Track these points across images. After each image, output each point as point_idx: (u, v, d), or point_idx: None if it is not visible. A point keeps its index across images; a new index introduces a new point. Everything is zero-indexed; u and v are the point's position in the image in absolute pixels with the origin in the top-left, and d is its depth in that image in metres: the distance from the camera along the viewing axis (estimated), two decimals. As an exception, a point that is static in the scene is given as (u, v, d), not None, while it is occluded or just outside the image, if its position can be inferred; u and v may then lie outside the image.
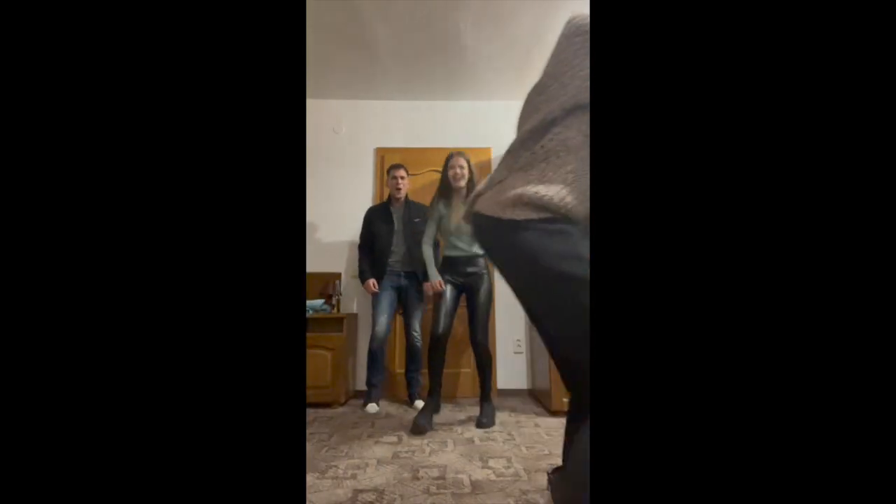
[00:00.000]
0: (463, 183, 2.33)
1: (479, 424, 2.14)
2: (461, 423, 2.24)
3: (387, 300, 2.63)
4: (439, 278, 2.29)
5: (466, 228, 2.15)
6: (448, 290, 2.26)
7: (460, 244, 2.30)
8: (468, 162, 2.36)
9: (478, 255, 2.29)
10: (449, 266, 2.31)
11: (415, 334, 2.69)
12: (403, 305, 2.73)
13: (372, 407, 2.52)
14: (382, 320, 2.61)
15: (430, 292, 2.30)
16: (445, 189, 2.35)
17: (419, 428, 2.00)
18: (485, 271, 2.30)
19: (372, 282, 2.63)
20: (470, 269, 2.28)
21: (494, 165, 3.26)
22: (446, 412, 2.47)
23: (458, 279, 2.29)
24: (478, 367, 2.28)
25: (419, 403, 2.58)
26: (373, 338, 2.61)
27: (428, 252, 2.35)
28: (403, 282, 2.68)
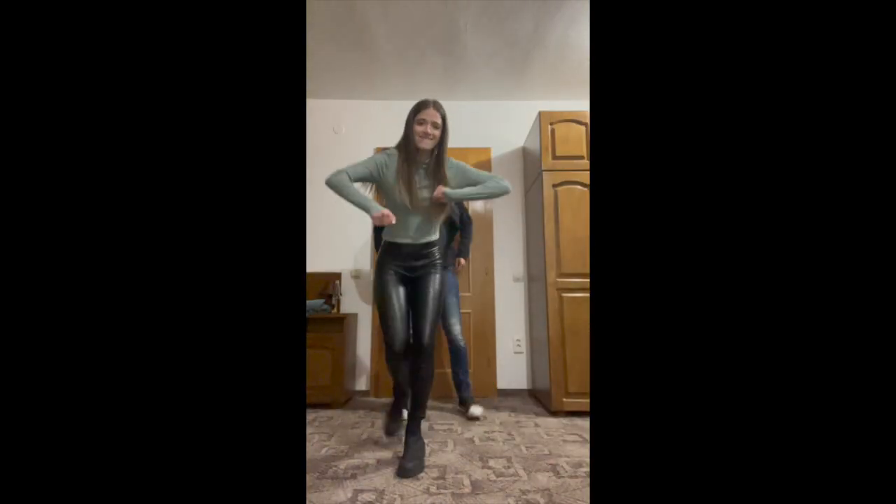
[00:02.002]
0: (429, 145, 1.61)
1: (403, 471, 1.49)
2: (461, 423, 2.24)
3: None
4: (382, 209, 1.54)
5: (421, 209, 1.62)
6: (401, 289, 1.66)
7: (408, 230, 1.65)
8: (444, 119, 1.63)
9: (428, 245, 1.68)
10: (391, 254, 1.67)
11: (455, 332, 2.48)
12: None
13: (478, 409, 2.36)
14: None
15: (381, 223, 1.54)
16: (404, 147, 1.63)
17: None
18: (437, 262, 1.69)
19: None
20: (417, 263, 1.67)
21: (494, 166, 3.27)
22: (446, 412, 2.46)
23: (405, 272, 1.67)
24: (412, 383, 1.64)
25: (477, 410, 2.33)
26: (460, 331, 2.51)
27: (342, 182, 1.58)
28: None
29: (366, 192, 1.65)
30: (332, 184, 1.58)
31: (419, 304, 1.64)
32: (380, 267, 1.69)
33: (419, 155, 1.64)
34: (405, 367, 1.68)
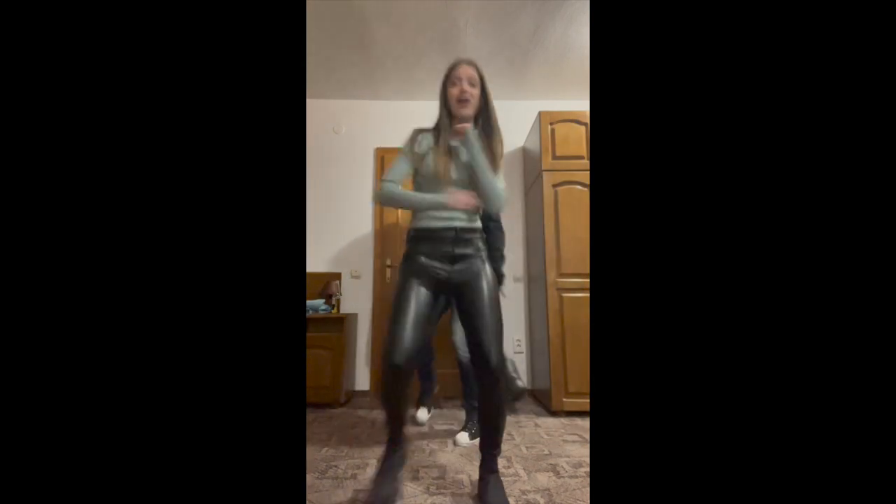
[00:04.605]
0: (470, 110, 1.31)
1: None
2: (461, 422, 2.24)
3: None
4: (455, 192, 1.29)
5: (460, 183, 1.29)
6: (426, 289, 1.27)
7: (447, 210, 1.29)
8: (482, 77, 1.33)
9: (471, 231, 1.30)
10: (424, 244, 1.29)
11: (459, 350, 2.05)
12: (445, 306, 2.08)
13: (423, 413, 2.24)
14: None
15: (465, 205, 1.28)
16: (441, 121, 1.34)
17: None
18: (482, 253, 1.32)
19: None
20: (460, 251, 1.28)
21: (494, 165, 3.26)
22: (446, 411, 2.46)
23: (440, 268, 1.28)
24: (483, 417, 1.29)
25: (422, 414, 2.21)
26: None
27: (394, 189, 1.31)
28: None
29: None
30: (382, 199, 1.32)
31: (474, 314, 1.25)
32: (406, 260, 1.31)
33: (455, 119, 1.32)
34: (401, 392, 1.24)
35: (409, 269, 1.28)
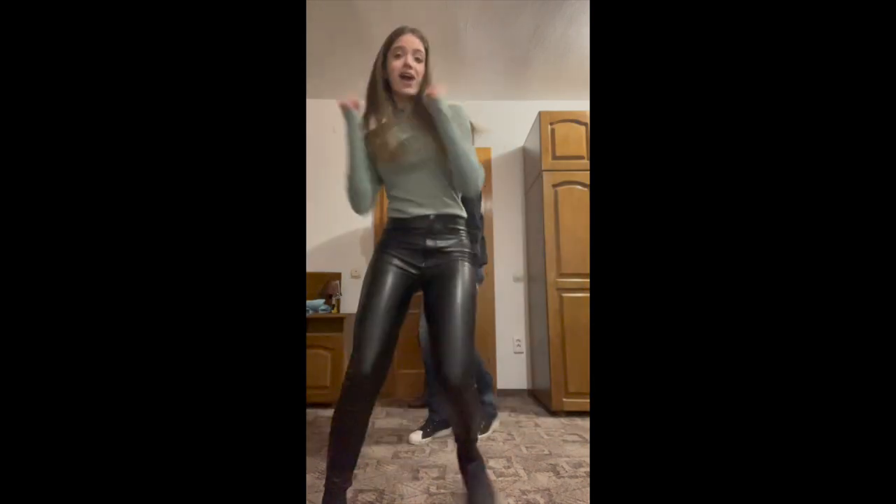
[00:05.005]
0: (414, 89, 1.13)
1: None
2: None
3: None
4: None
5: (424, 161, 1.11)
6: (389, 278, 1.09)
7: (415, 195, 1.13)
8: (426, 49, 1.14)
9: (451, 220, 1.14)
10: (394, 236, 1.14)
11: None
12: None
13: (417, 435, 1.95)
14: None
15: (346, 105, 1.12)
16: (375, 92, 1.15)
17: None
18: (465, 250, 1.14)
19: None
20: (434, 244, 1.11)
21: (494, 166, 3.27)
22: (444, 410, 2.46)
23: (411, 264, 1.11)
24: (452, 426, 1.16)
25: (416, 437, 1.91)
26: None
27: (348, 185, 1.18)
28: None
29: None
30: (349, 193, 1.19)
31: (439, 317, 1.06)
32: (375, 254, 1.14)
33: (397, 102, 1.15)
34: (358, 413, 1.03)
35: (377, 267, 1.11)
